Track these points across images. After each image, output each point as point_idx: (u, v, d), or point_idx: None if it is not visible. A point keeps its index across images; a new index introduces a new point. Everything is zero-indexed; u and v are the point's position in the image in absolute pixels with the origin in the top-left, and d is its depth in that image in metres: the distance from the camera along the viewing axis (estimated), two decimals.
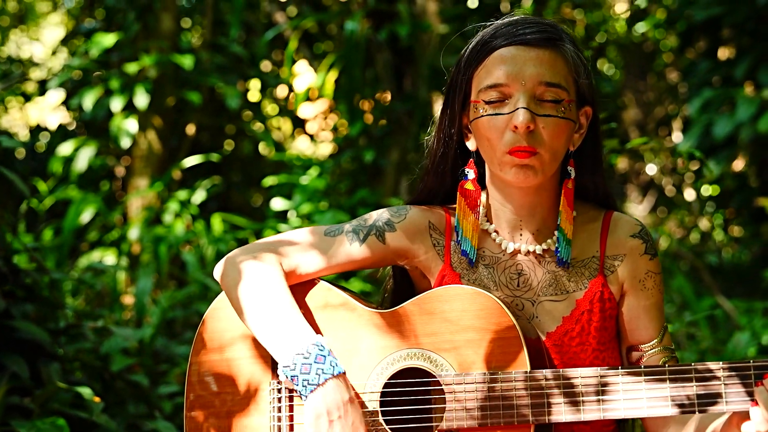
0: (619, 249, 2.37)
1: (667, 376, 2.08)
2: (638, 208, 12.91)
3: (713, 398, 2.05)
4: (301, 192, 6.47)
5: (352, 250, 2.40)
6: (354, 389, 2.23)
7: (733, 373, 2.05)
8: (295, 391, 2.26)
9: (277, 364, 2.30)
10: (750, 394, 2.04)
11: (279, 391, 2.32)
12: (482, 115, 2.29)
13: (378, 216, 2.44)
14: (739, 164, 10.07)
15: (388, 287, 2.59)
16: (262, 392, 2.35)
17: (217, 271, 2.40)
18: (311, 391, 2.16)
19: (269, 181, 6.65)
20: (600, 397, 2.11)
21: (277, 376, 2.32)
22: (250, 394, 2.36)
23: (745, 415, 2.07)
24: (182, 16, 8.00)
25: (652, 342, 2.35)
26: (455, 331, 2.24)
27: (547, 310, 2.34)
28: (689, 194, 11.68)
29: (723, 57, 9.50)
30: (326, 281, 2.42)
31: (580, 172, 2.40)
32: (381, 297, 2.62)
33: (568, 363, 2.29)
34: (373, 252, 2.40)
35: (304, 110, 8.07)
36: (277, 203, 6.59)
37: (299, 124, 8.63)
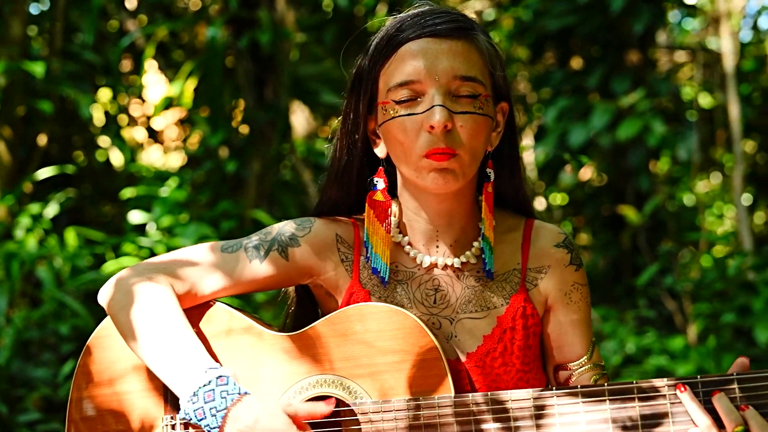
0: (542, 260, 2.21)
1: (606, 397, 1.94)
2: None
3: (659, 418, 1.91)
4: (160, 204, 6.15)
5: (253, 267, 2.17)
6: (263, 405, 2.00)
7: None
8: (192, 426, 2.04)
9: (169, 396, 2.08)
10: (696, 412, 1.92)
11: (173, 427, 2.08)
12: (393, 117, 2.10)
13: (280, 229, 2.22)
14: (587, 173, 10.24)
15: (290, 310, 2.37)
16: (156, 429, 2.11)
17: (104, 295, 2.14)
18: (222, 418, 1.93)
19: (128, 193, 6.31)
20: (535, 422, 1.95)
21: (171, 409, 2.09)
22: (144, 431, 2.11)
23: None
24: (32, 23, 7.55)
25: (581, 359, 2.19)
26: (372, 354, 2.05)
27: (466, 328, 2.15)
28: (539, 203, 11.83)
29: (575, 67, 9.64)
30: (226, 304, 2.19)
31: (498, 174, 2.21)
32: (282, 321, 2.39)
33: (491, 386, 2.11)
34: (276, 270, 2.18)
35: (157, 121, 7.73)
36: (136, 216, 6.25)
37: (152, 134, 8.28)
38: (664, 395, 1.92)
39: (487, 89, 2.12)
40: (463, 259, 2.19)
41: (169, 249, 5.62)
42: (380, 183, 2.19)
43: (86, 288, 5.65)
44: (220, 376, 1.97)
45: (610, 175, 9.34)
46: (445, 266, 2.19)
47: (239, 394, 1.95)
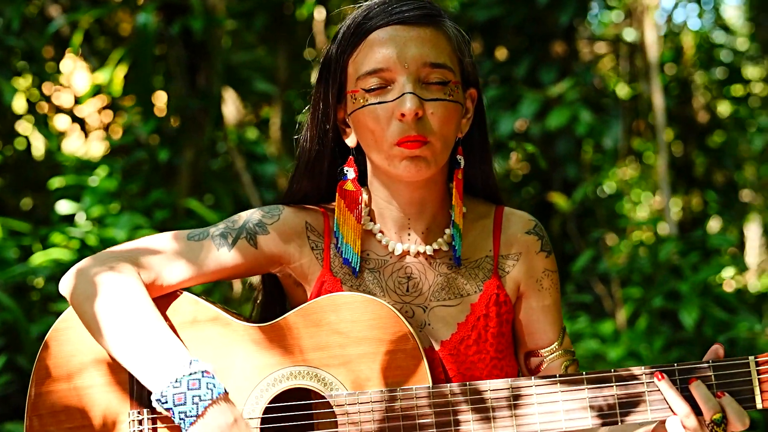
0: (513, 247, 2.19)
1: (585, 386, 1.92)
2: None
3: (635, 405, 1.90)
4: (90, 194, 5.98)
5: (220, 256, 2.11)
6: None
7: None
8: (160, 420, 1.98)
9: (135, 391, 2.01)
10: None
11: (140, 422, 2.01)
12: (363, 105, 2.07)
13: (248, 217, 2.16)
14: (514, 161, 10.32)
15: (257, 301, 2.31)
16: (120, 424, 2.03)
17: (65, 285, 2.05)
18: (191, 424, 1.87)
19: (56, 182, 6.12)
20: (513, 412, 1.92)
21: (137, 404, 2.02)
22: (108, 427, 2.03)
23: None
24: None
25: (552, 345, 2.18)
26: (346, 344, 2.01)
27: (440, 316, 2.12)
28: None
29: (501, 58, 9.69)
30: (191, 293, 2.12)
31: (468, 162, 2.19)
32: (250, 312, 2.34)
33: (465, 374, 2.08)
34: (244, 258, 2.12)
35: (83, 108, 7.51)
36: (64, 206, 6.07)
37: (77, 122, 8.05)
38: (642, 383, 1.91)
39: (456, 76, 2.10)
40: (435, 246, 2.16)
41: (102, 240, 5.48)
42: (350, 172, 2.16)
43: (14, 281, 5.49)
44: (206, 370, 1.91)
45: (539, 164, 9.41)
46: (417, 254, 2.16)
47: (211, 400, 1.88)
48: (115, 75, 6.55)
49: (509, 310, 2.16)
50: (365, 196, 2.19)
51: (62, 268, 5.32)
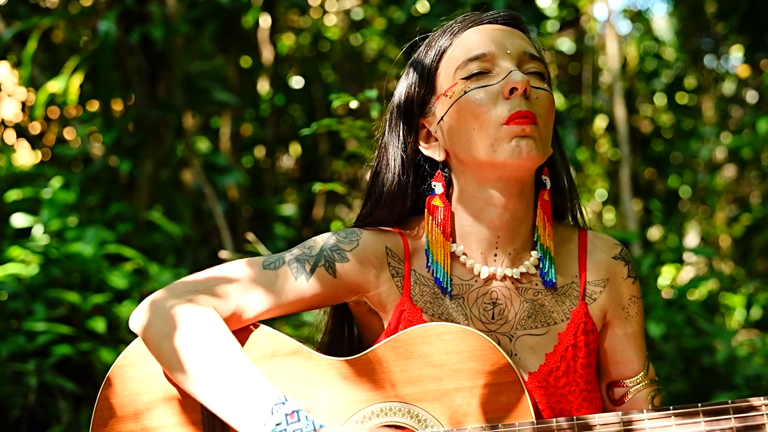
0: (600, 273, 2.08)
1: (702, 419, 1.82)
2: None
3: None
4: (48, 206, 5.73)
5: (299, 285, 1.97)
6: None
7: None
8: None
9: (207, 429, 1.87)
10: None
11: None
12: (464, 93, 1.96)
13: (324, 242, 2.02)
14: None
15: (327, 329, 2.17)
16: None
17: (137, 320, 1.90)
18: None
19: (13, 195, 5.85)
20: None
21: None
22: None
23: None
24: None
25: (638, 376, 2.08)
26: (441, 377, 1.89)
27: (527, 346, 2.01)
28: None
29: None
30: (268, 326, 1.98)
31: (553, 182, 2.09)
32: (320, 341, 2.19)
33: (555, 407, 1.97)
34: (323, 287, 1.98)
35: (36, 118, 7.22)
36: (19, 219, 5.81)
37: (23, 134, 7.75)
38: (762, 414, 1.82)
39: (546, 78, 2.04)
40: (522, 269, 2.04)
41: (65, 254, 5.25)
42: (438, 187, 2.04)
43: None
44: (291, 412, 1.75)
45: None
46: (504, 277, 2.04)
47: (314, 429, 1.74)
48: (71, 84, 6.29)
49: (596, 339, 2.06)
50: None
51: (24, 283, 5.09)
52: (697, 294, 7.64)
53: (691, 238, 11.95)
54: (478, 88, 1.95)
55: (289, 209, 10.58)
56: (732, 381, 4.94)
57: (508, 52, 1.97)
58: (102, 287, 5.06)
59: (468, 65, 1.97)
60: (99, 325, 4.67)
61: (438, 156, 2.05)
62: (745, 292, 8.39)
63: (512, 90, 1.92)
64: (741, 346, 5.82)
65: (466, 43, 2.00)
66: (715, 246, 11.55)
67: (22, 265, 5.38)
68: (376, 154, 2.12)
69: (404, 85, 2.08)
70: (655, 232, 11.52)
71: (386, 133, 2.10)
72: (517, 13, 2.07)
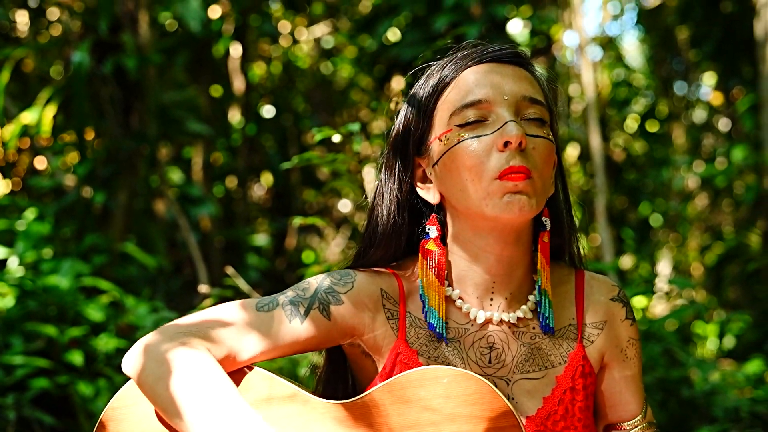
0: (598, 315, 2.06)
1: None
2: (332, 244, 12.89)
3: None
4: (23, 238, 5.66)
5: (293, 328, 1.94)
6: None
7: None
8: None
9: None
10: None
11: None
12: (458, 142, 1.92)
13: (319, 284, 1.99)
14: None
15: (322, 371, 2.14)
16: None
17: (131, 364, 1.86)
18: None
19: None
20: None
21: None
22: None
23: None
24: None
25: (636, 419, 2.06)
26: (438, 422, 1.86)
27: (524, 390, 1.98)
28: None
29: None
30: (263, 369, 1.95)
31: (555, 224, 2.07)
32: (315, 385, 2.16)
33: None
34: (317, 330, 1.95)
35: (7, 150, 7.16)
36: None
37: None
38: None
39: (548, 119, 1.99)
40: (519, 314, 2.02)
41: (41, 286, 5.18)
42: (433, 231, 2.01)
43: None
44: None
45: None
46: (501, 322, 2.01)
47: None
48: (44, 115, 6.24)
49: (593, 382, 2.04)
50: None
51: (1, 316, 5.02)
52: (670, 324, 7.68)
53: (663, 266, 12.04)
54: (472, 138, 1.91)
55: (261, 239, 10.54)
56: (711, 413, 4.95)
57: (506, 98, 1.92)
58: (78, 320, 5.01)
59: (463, 111, 1.94)
60: (76, 358, 4.62)
61: (432, 198, 2.03)
62: (717, 321, 8.44)
63: (506, 143, 1.89)
64: (718, 377, 5.84)
65: (464, 85, 1.96)
66: (687, 274, 11.63)
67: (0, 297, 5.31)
68: (373, 190, 2.10)
69: (402, 119, 2.06)
70: (627, 261, 11.60)
71: (383, 169, 2.07)
72: (521, 51, 2.03)
